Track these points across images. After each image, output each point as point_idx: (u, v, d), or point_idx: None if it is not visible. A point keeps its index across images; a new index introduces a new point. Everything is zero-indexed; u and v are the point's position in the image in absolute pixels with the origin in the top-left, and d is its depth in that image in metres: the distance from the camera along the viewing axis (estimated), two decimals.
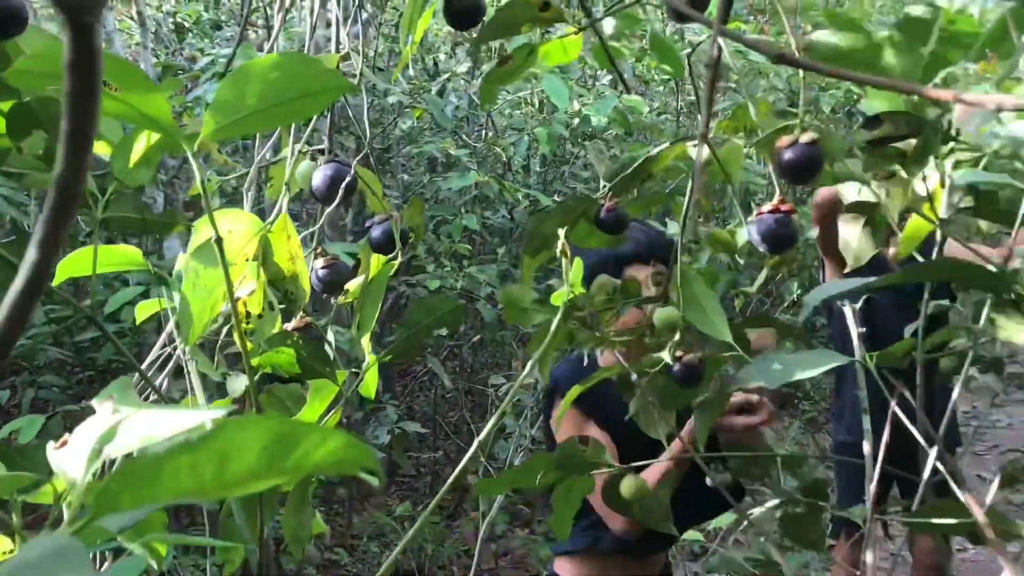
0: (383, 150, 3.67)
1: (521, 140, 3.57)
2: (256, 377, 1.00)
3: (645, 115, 3.94)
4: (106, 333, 0.88)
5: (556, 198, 3.90)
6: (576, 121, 3.65)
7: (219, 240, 0.88)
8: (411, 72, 3.77)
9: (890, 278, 0.76)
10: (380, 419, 3.62)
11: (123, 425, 0.38)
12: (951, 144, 1.01)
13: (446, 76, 3.60)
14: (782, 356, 1.09)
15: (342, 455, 0.34)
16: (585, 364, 1.68)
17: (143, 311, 0.99)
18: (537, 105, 3.91)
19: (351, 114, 1.34)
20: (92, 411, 0.44)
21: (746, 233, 1.06)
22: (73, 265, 0.85)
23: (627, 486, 1.26)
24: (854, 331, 1.32)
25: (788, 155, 0.92)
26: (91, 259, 0.84)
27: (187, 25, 4.52)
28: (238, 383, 1.06)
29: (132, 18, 4.19)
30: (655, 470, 1.47)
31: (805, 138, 0.90)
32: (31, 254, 0.32)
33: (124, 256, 0.94)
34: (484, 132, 3.85)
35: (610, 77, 4.25)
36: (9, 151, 0.72)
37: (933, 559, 2.79)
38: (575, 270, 1.11)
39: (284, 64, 0.70)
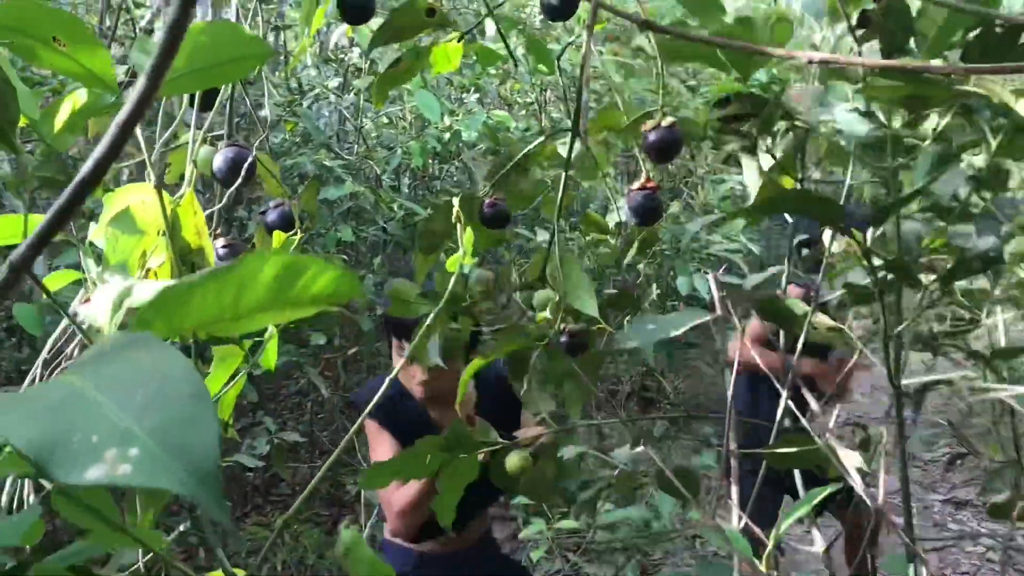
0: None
1: (395, 154, 3.66)
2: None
3: (511, 130, 4.12)
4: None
5: (429, 211, 4.01)
6: (447, 136, 3.78)
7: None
8: (281, 88, 3.79)
9: (739, 213, 0.90)
10: (256, 432, 3.60)
11: (137, 286, 0.46)
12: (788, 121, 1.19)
13: (315, 91, 3.65)
14: (655, 317, 1.24)
15: (335, 287, 0.44)
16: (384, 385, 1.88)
17: (58, 280, 1.02)
18: (409, 121, 4.01)
19: (249, 105, 1.40)
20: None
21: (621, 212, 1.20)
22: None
23: (512, 462, 1.34)
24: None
25: (652, 137, 1.07)
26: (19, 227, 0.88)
27: None
28: None
29: None
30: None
31: (666, 122, 1.05)
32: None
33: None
34: (355, 147, 3.92)
35: (477, 95, 4.40)
36: None
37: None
38: (468, 240, 1.22)
39: (212, 30, 0.78)
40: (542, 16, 1.15)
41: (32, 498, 0.92)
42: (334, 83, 3.79)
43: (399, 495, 1.83)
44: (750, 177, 1.09)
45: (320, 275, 0.43)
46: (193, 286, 0.41)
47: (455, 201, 1.23)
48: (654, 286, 4.69)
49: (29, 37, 0.70)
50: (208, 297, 0.42)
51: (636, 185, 1.15)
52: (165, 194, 1.10)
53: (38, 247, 0.41)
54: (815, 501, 1.08)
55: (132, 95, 0.36)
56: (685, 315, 1.22)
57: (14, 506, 0.89)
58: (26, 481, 0.92)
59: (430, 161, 4.18)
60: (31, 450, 0.30)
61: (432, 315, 1.19)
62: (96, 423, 0.31)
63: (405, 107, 4.08)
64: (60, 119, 0.86)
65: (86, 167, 0.41)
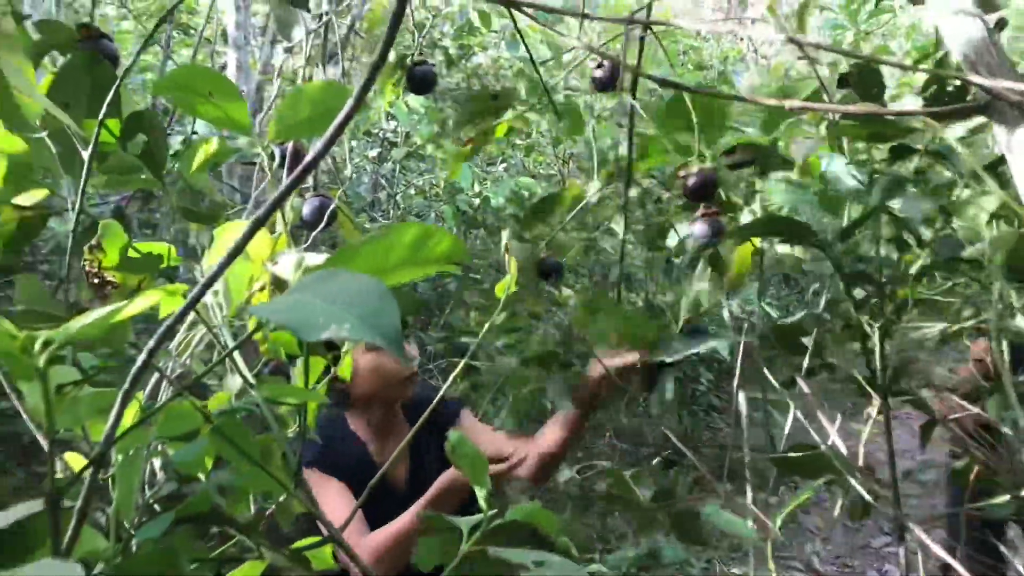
0: (296, 227, 3.93)
1: (428, 218, 3.91)
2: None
3: (534, 196, 4.36)
4: None
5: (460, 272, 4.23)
6: (477, 201, 4.03)
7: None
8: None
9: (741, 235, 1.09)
10: None
11: (308, 255, 0.66)
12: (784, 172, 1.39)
13: (357, 160, 3.93)
14: (685, 340, 1.44)
15: (451, 250, 0.63)
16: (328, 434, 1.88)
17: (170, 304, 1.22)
18: (441, 188, 4.28)
19: (332, 161, 1.63)
20: None
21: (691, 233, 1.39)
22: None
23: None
24: None
25: (691, 181, 1.27)
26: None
27: None
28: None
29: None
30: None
31: (705, 167, 1.26)
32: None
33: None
34: (390, 211, 4.18)
35: (504, 164, 4.68)
36: (113, 151, 0.97)
37: None
38: (512, 267, 1.42)
39: (324, 89, 0.99)
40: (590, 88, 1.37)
41: (160, 475, 1.10)
42: (373, 153, 4.06)
43: (376, 539, 1.71)
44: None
45: (441, 241, 0.62)
46: (361, 246, 0.61)
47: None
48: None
49: (192, 93, 0.91)
50: (370, 255, 0.61)
51: (700, 213, 1.34)
52: (266, 231, 1.32)
53: (219, 272, 0.61)
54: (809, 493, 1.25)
55: (316, 147, 0.56)
56: (705, 337, 1.42)
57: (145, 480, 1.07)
58: (155, 462, 1.11)
59: (459, 226, 4.42)
60: (289, 325, 0.50)
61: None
62: (321, 312, 0.50)
63: (438, 176, 4.35)
64: (197, 161, 1.08)
65: (262, 210, 0.61)
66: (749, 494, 1.38)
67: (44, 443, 0.59)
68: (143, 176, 0.99)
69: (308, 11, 1.33)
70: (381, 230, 0.62)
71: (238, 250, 0.61)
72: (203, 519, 0.84)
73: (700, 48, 7.13)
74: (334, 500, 1.74)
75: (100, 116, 0.88)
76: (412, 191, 4.71)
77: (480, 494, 0.73)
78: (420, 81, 1.38)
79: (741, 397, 1.76)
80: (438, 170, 4.58)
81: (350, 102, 0.61)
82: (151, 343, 0.68)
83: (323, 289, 0.53)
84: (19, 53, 0.81)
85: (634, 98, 1.01)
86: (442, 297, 3.86)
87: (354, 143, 4.19)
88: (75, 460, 1.02)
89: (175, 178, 1.06)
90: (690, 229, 1.31)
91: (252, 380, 0.93)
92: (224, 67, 4.85)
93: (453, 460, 0.78)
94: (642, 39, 1.20)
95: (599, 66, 1.14)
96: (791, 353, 1.55)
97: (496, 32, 4.81)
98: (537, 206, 1.43)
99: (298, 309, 0.51)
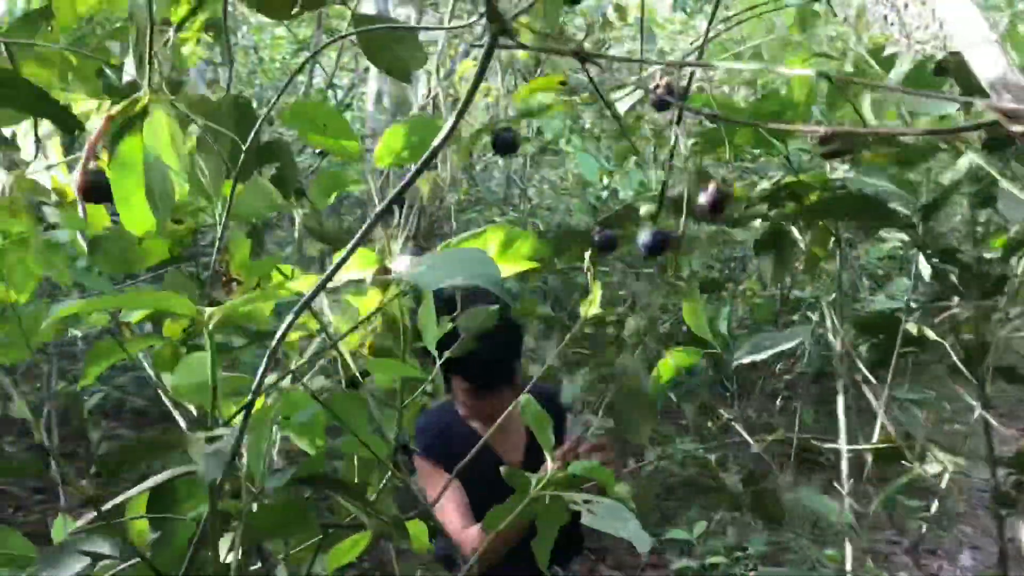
0: (433, 221, 4.19)
1: (558, 211, 4.07)
2: None
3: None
4: None
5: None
6: (605, 194, 4.14)
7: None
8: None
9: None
10: None
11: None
12: None
13: (488, 156, 4.13)
14: (772, 334, 1.52)
15: (534, 250, 0.79)
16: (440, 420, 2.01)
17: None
18: (570, 182, 4.43)
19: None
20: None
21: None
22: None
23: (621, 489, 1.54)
24: None
25: (704, 199, 1.34)
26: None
27: None
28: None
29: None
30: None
31: (714, 186, 1.33)
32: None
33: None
34: (521, 205, 4.37)
35: (635, 157, 4.76)
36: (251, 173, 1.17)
37: None
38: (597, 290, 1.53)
39: (424, 123, 1.16)
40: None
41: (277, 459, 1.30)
42: None
43: (472, 534, 1.84)
44: None
45: (525, 242, 0.78)
46: (464, 239, 0.77)
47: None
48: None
49: (311, 124, 1.10)
50: (469, 247, 0.78)
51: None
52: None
53: (333, 272, 0.78)
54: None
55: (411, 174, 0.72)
56: (794, 332, 1.50)
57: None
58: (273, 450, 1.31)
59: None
60: (416, 280, 0.67)
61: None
62: (440, 270, 0.66)
63: (567, 170, 4.49)
64: (320, 187, 1.27)
65: (359, 233, 0.77)
66: (846, 485, 1.45)
67: (175, 418, 0.79)
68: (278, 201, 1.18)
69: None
70: (476, 232, 0.79)
71: (351, 251, 0.78)
72: (319, 481, 1.03)
73: (846, 34, 6.90)
74: (439, 490, 1.88)
75: (241, 151, 1.07)
76: (545, 186, 4.88)
77: (546, 450, 0.88)
78: (505, 145, 1.56)
79: (842, 395, 1.82)
80: (569, 164, 4.73)
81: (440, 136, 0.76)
82: (279, 332, 0.87)
83: (441, 258, 0.70)
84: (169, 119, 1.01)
85: (681, 127, 1.12)
86: (569, 289, 4.01)
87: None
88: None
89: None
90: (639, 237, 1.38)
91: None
92: (366, 69, 5.16)
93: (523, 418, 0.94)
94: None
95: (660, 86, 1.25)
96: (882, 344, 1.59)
97: (631, 25, 4.90)
98: (616, 213, 1.54)
99: (423, 271, 0.68)
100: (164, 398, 1.21)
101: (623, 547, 4.11)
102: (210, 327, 0.79)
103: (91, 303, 0.77)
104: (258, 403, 0.93)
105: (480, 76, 0.75)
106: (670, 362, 1.42)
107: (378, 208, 0.76)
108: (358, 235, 0.80)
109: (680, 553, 3.76)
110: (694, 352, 1.47)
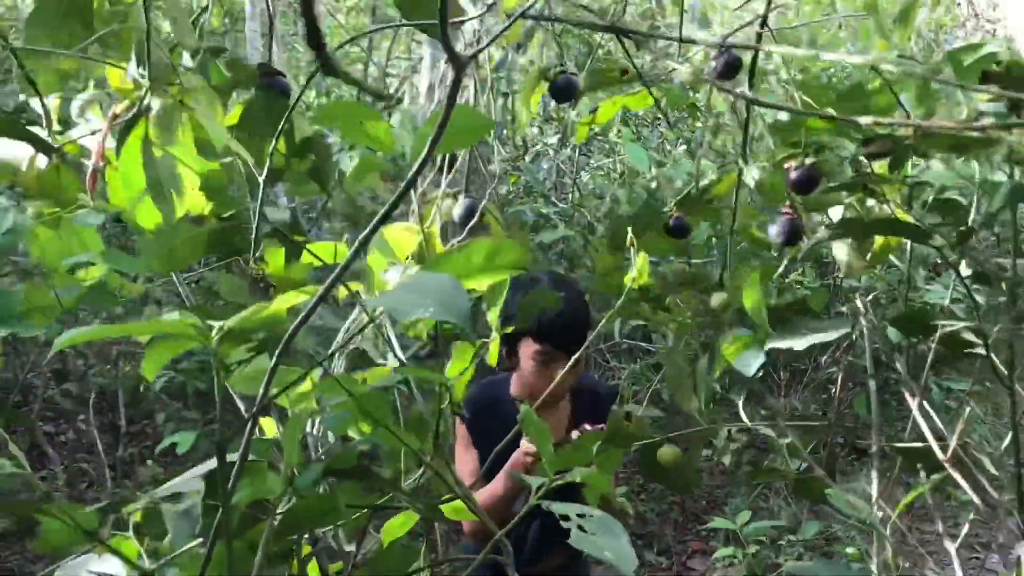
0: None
1: (604, 202, 4.03)
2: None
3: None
4: None
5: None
6: (654, 184, 4.09)
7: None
8: (508, 146, 4.30)
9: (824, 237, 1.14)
10: None
11: (411, 267, 0.82)
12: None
13: (537, 146, 4.11)
14: (808, 322, 1.48)
15: (514, 257, 0.77)
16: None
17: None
18: (620, 172, 4.38)
19: (481, 164, 1.80)
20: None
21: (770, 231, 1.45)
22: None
23: (665, 454, 1.47)
24: None
25: (794, 175, 1.32)
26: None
27: None
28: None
29: None
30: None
31: (808, 161, 1.31)
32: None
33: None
34: (571, 195, 4.33)
35: (684, 147, 4.70)
36: (285, 169, 1.18)
37: None
38: (642, 260, 1.51)
39: (460, 111, 1.15)
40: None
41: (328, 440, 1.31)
42: (553, 139, 4.23)
43: (479, 496, 1.87)
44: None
45: (507, 251, 0.77)
46: (447, 255, 0.76)
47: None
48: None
49: (347, 121, 1.09)
50: (454, 263, 0.76)
51: (783, 209, 1.39)
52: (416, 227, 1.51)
53: (352, 259, 0.78)
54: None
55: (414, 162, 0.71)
56: (835, 322, 1.45)
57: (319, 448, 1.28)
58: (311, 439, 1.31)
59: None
60: (388, 309, 0.66)
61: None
62: (410, 301, 0.65)
63: (616, 160, 4.45)
64: (353, 174, 1.27)
65: (383, 211, 0.77)
66: (875, 481, 1.41)
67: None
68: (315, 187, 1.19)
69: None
70: (461, 245, 0.77)
71: (371, 234, 0.78)
72: (353, 474, 1.03)
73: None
74: (462, 457, 1.99)
75: (272, 142, 1.08)
76: (596, 175, 4.84)
77: (545, 459, 0.86)
78: (562, 90, 1.51)
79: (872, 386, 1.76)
80: (618, 152, 4.68)
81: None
82: (295, 322, 0.87)
83: (413, 286, 0.69)
84: (211, 96, 1.02)
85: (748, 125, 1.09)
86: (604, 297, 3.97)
87: (534, 130, 4.38)
88: (269, 424, 1.24)
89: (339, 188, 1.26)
90: (768, 228, 1.36)
91: (403, 360, 1.12)
92: (420, 59, 5.18)
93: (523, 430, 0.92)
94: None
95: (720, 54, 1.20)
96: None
97: (687, 12, 4.83)
98: (689, 196, 1.50)
99: (395, 299, 0.67)
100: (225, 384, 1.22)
101: (669, 534, 4.11)
102: (214, 342, 0.78)
103: (99, 331, 0.77)
104: (301, 389, 0.93)
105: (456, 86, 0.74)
106: (729, 346, 1.39)
107: (395, 194, 0.75)
108: (384, 209, 0.79)
109: (727, 540, 3.76)
110: (751, 338, 1.44)
